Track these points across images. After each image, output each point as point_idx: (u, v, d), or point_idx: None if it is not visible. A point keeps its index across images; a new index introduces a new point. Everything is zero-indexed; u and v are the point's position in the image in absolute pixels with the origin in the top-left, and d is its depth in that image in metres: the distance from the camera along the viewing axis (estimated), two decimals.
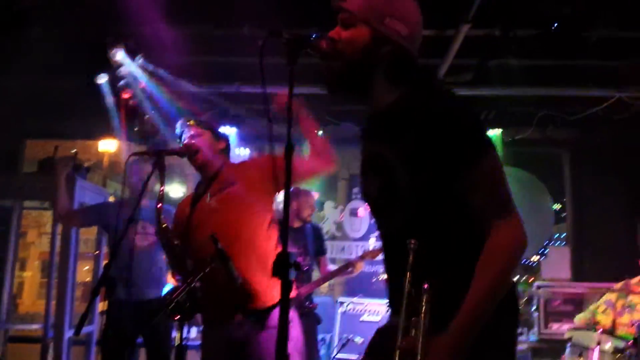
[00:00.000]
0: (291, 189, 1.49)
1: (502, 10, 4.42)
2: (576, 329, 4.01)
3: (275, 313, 2.54)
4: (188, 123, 2.86)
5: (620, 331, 4.16)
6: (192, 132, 2.81)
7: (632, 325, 3.83)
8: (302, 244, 4.45)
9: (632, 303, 4.15)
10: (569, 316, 4.54)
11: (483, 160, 1.37)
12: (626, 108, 5.44)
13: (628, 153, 5.88)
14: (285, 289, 1.38)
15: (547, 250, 6.10)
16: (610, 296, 4.37)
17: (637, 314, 4.09)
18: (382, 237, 1.62)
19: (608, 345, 3.67)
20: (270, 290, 2.56)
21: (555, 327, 4.84)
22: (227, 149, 2.94)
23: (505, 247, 1.35)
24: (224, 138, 2.97)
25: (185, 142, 2.80)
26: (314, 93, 2.88)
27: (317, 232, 4.67)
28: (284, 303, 1.39)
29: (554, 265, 5.73)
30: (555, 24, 4.52)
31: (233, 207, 2.68)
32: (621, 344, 3.63)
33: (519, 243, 1.37)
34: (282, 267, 1.38)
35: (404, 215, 1.45)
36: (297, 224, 4.47)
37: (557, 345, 4.18)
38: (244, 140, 5.87)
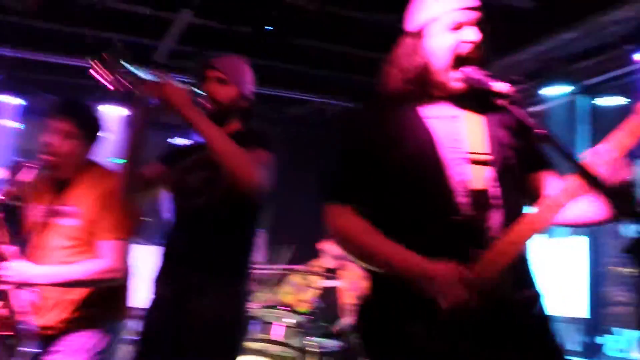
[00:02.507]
0: None
1: (224, 4, 4.54)
2: (264, 306, 4.31)
3: None
4: None
5: (301, 307, 4.66)
6: None
7: (310, 301, 4.33)
8: None
9: (310, 282, 4.69)
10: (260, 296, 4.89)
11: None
12: (322, 112, 6.16)
13: (321, 150, 6.62)
14: None
15: None
16: (294, 277, 4.87)
17: (314, 291, 4.63)
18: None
19: (290, 320, 4.06)
20: None
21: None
22: None
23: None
24: None
25: None
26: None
27: None
28: None
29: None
30: (268, 27, 4.82)
31: None
32: (301, 319, 4.06)
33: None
34: None
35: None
36: None
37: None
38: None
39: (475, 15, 1.60)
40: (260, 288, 4.73)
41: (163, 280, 2.28)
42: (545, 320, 1.59)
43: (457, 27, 1.58)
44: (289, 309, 4.18)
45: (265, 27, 4.70)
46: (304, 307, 4.57)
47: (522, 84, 4.82)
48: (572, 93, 5.05)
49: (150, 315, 2.27)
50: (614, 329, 4.84)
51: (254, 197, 2.17)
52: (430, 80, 1.61)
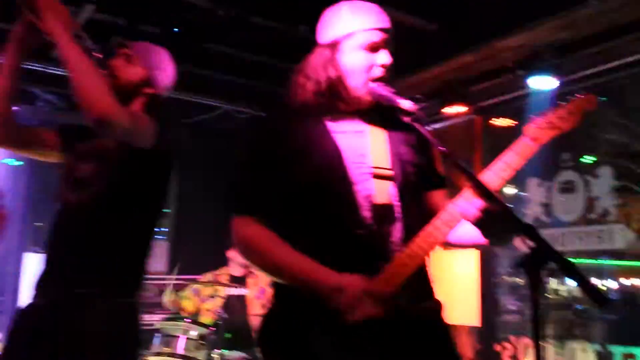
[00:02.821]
0: None
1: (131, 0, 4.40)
2: (166, 319, 4.21)
3: None
4: None
5: (204, 317, 4.57)
6: None
7: (215, 312, 4.26)
8: None
9: (216, 292, 4.61)
10: (161, 307, 4.75)
11: None
12: (231, 119, 6.09)
13: (227, 159, 6.55)
14: None
15: None
16: (197, 285, 4.77)
17: (219, 300, 4.57)
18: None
19: (193, 333, 3.97)
20: None
21: (146, 317, 5.00)
22: None
23: None
24: None
25: None
26: None
27: None
28: None
29: (153, 258, 5.95)
30: (178, 29, 4.71)
31: None
32: (205, 331, 3.99)
33: None
34: None
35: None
36: None
37: (147, 335, 4.32)
38: None
39: (388, 36, 1.66)
40: (162, 299, 4.60)
41: (41, 287, 2.03)
42: (445, 331, 1.67)
43: (371, 47, 1.63)
44: (190, 320, 4.09)
45: (174, 29, 4.60)
46: (208, 318, 4.49)
47: (423, 103, 5.03)
48: (470, 113, 5.33)
49: (16, 325, 2.02)
50: (506, 336, 5.13)
51: (104, 131, 1.88)
52: (341, 95, 1.65)
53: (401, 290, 1.49)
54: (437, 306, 1.66)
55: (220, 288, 4.64)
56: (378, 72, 1.63)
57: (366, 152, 1.63)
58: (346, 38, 1.63)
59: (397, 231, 1.59)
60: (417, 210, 1.65)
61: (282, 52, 5.05)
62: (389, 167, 1.63)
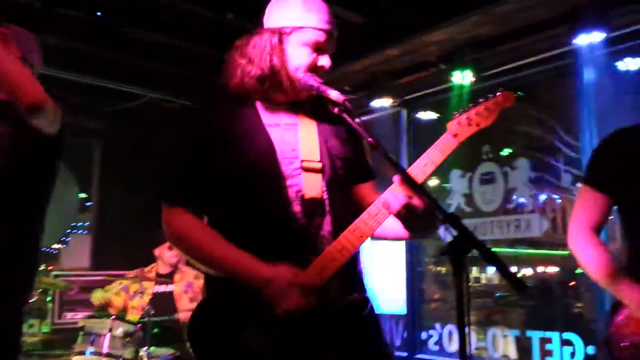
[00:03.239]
0: None
1: None
2: (90, 316, 4.08)
3: None
4: None
5: (131, 314, 4.45)
6: None
7: (142, 309, 4.14)
8: None
9: (144, 289, 4.50)
10: (86, 305, 4.59)
11: None
12: (157, 108, 5.92)
13: (154, 149, 6.37)
14: None
15: (68, 239, 6.03)
16: (125, 281, 4.63)
17: (147, 297, 4.46)
18: None
19: (119, 331, 3.86)
20: None
21: (69, 315, 4.81)
22: None
23: None
24: None
25: None
26: None
27: None
28: None
29: (74, 254, 5.71)
30: (100, 13, 4.54)
31: None
32: (131, 328, 3.88)
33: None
34: None
35: None
36: None
37: (71, 334, 4.16)
38: None
39: (333, 40, 1.70)
40: (90, 296, 4.45)
41: None
42: (375, 323, 1.71)
43: (316, 47, 1.66)
44: (114, 317, 3.97)
45: (97, 13, 4.42)
46: (136, 315, 4.38)
47: (352, 95, 5.09)
48: (396, 106, 5.45)
49: None
50: (431, 324, 5.31)
51: (34, 117, 1.83)
52: (282, 85, 1.65)
53: (331, 283, 1.53)
54: (366, 299, 1.68)
55: (147, 285, 4.54)
56: (318, 71, 1.66)
57: (297, 147, 1.65)
58: (295, 30, 1.65)
59: (327, 224, 1.63)
60: (346, 203, 1.68)
61: (211, 40, 4.97)
62: (318, 160, 1.66)
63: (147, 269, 4.76)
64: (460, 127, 1.62)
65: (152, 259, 4.83)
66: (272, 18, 1.70)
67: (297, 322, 1.50)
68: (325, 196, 1.64)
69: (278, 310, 1.48)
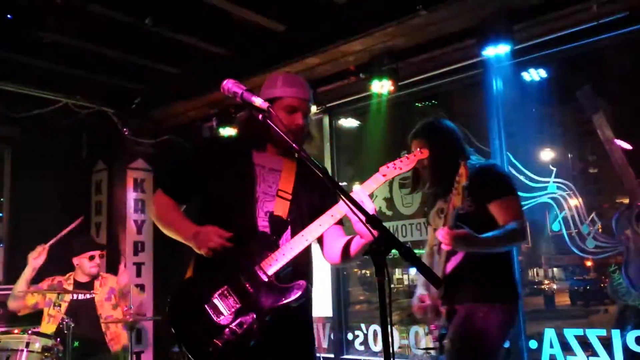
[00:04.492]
0: None
1: None
2: (4, 332, 3.90)
3: None
4: None
5: (47, 325, 4.30)
6: None
7: (60, 320, 3.99)
8: None
9: (60, 298, 4.38)
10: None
11: None
12: (72, 114, 5.72)
13: (66, 156, 6.16)
14: None
15: None
16: (35, 298, 4.47)
17: (64, 306, 4.34)
18: None
19: (37, 345, 3.72)
20: None
21: None
22: None
23: None
24: None
25: None
26: None
27: None
28: None
29: None
30: (10, 15, 4.36)
31: None
32: (49, 343, 3.74)
33: None
34: None
35: None
36: None
37: None
38: None
39: (305, 104, 2.26)
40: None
41: None
42: (306, 325, 2.29)
43: (291, 109, 2.22)
44: (30, 332, 3.81)
45: (7, 15, 4.24)
46: (52, 325, 4.23)
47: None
48: (318, 113, 5.57)
49: None
50: (357, 325, 5.44)
51: None
52: (271, 138, 2.23)
53: (285, 269, 2.08)
54: (308, 286, 2.13)
55: (65, 295, 4.41)
56: (295, 128, 2.20)
57: (276, 183, 2.23)
58: (278, 99, 2.21)
59: (287, 235, 2.17)
60: (305, 224, 2.14)
61: (128, 45, 4.88)
62: (290, 192, 2.22)
63: (64, 277, 4.63)
64: (388, 170, 2.12)
65: (70, 268, 4.69)
66: (266, 91, 2.26)
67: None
68: (289, 217, 2.19)
69: (203, 250, 2.04)
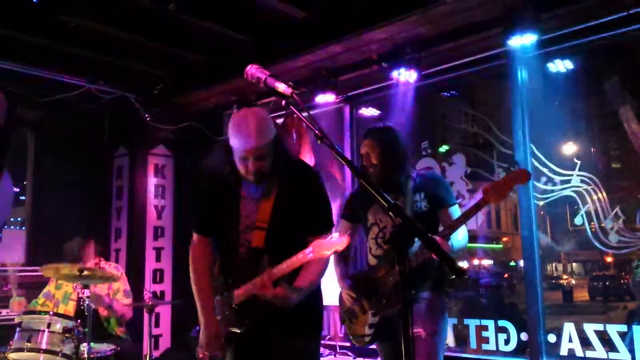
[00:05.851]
0: None
1: None
2: (27, 312, 3.96)
3: None
4: None
5: (70, 309, 4.36)
6: None
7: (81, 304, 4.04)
8: None
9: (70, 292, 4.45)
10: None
11: None
12: (95, 99, 5.77)
13: (88, 141, 6.21)
14: None
15: (1, 234, 5.78)
16: (49, 287, 4.53)
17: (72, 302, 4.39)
18: None
19: (58, 326, 3.77)
20: None
21: (4, 312, 4.66)
22: None
23: None
24: None
25: None
26: None
27: None
28: None
29: (8, 248, 5.51)
30: (36, 0, 4.40)
31: None
32: (70, 324, 3.79)
33: None
34: None
35: None
36: None
37: (7, 331, 4.02)
38: None
39: (254, 151, 2.34)
40: (22, 292, 4.31)
41: None
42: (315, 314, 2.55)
43: (243, 158, 2.36)
44: (53, 313, 3.86)
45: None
46: (72, 309, 4.29)
47: (296, 89, 5.12)
48: (339, 102, 5.54)
49: None
50: None
51: None
52: (240, 175, 2.47)
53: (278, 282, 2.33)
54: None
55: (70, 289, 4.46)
56: (249, 172, 2.38)
57: (255, 213, 2.45)
58: (234, 149, 2.39)
59: (265, 263, 2.39)
60: (282, 249, 2.35)
61: (151, 30, 4.89)
62: (266, 222, 2.42)
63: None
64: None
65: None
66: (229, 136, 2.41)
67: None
68: (265, 247, 2.41)
69: (200, 350, 2.44)
